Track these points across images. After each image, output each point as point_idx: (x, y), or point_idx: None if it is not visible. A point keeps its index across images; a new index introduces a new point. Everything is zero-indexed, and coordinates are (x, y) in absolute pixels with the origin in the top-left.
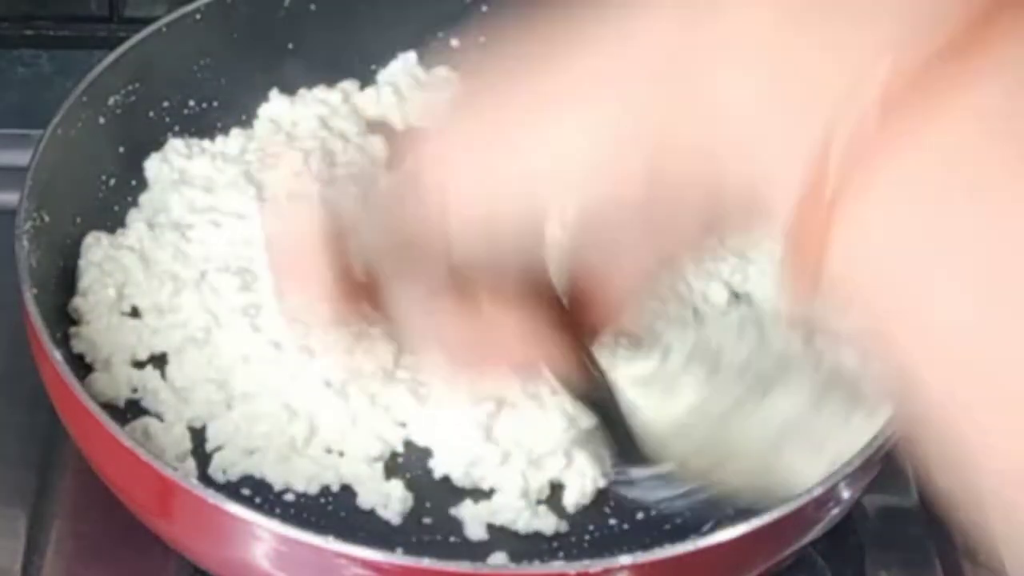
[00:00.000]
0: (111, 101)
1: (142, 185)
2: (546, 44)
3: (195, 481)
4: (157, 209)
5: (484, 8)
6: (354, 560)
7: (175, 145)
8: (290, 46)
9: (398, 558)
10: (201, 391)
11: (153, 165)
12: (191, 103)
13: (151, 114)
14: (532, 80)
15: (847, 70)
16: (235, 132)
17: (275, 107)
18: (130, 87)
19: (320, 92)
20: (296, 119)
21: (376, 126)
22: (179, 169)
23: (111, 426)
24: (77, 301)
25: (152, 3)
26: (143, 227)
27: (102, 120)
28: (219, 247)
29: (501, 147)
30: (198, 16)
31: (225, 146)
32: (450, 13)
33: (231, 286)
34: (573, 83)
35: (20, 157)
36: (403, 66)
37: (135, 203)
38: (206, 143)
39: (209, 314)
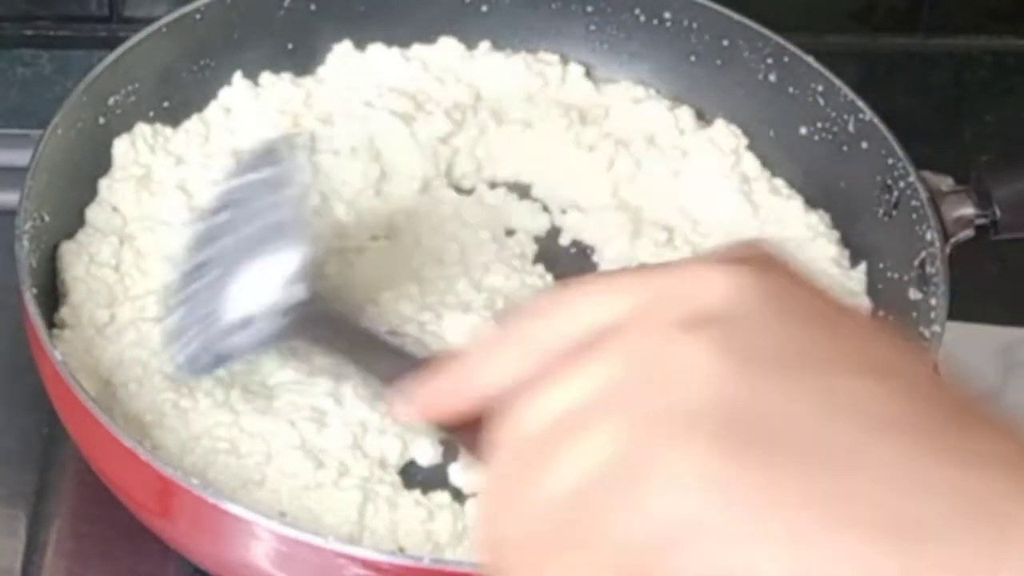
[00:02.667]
0: (111, 101)
1: None
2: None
3: (195, 481)
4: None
5: (484, 8)
6: (354, 560)
7: (143, 131)
8: (290, 46)
9: (398, 558)
10: None
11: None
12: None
13: (151, 114)
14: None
15: None
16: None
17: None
18: (130, 87)
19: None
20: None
21: None
22: (144, 164)
23: (110, 426)
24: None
25: (152, 3)
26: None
27: (102, 120)
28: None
29: None
30: (198, 16)
31: (187, 141)
32: (451, 13)
33: None
34: None
35: (20, 157)
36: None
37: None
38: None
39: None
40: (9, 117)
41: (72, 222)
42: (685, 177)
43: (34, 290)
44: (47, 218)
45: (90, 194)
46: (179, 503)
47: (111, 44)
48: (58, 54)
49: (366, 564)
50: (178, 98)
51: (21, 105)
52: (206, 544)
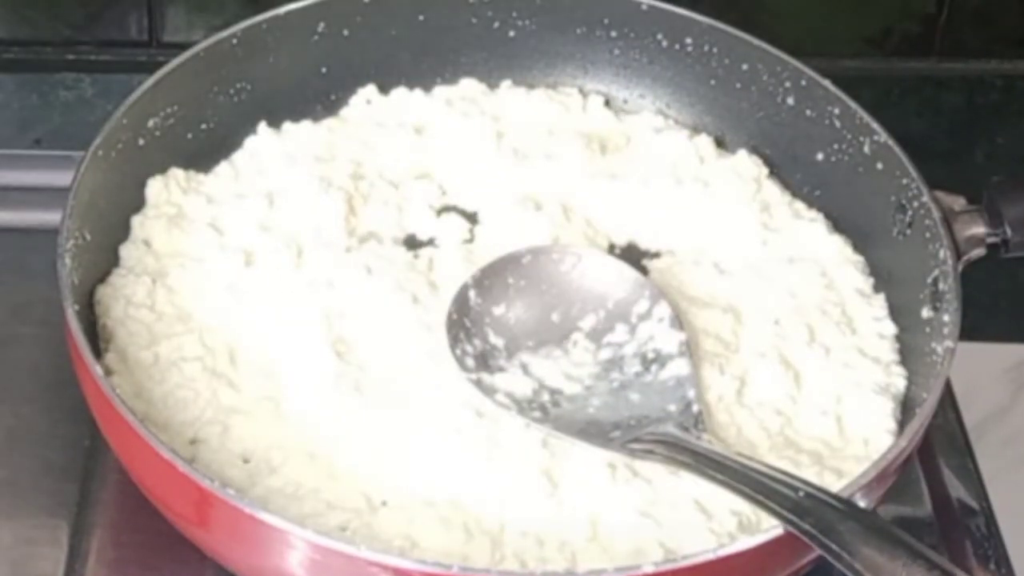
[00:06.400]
0: (150, 123)
1: None
2: None
3: (231, 491)
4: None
5: (511, 33)
6: (386, 568)
7: (176, 175)
8: (323, 70)
9: (428, 567)
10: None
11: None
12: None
13: (189, 136)
14: None
15: None
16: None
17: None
18: (169, 110)
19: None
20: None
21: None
22: (176, 203)
23: (150, 438)
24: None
25: (190, 28)
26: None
27: (141, 142)
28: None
29: None
30: (234, 41)
31: (216, 184)
32: (479, 38)
33: None
34: None
35: (62, 178)
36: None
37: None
38: (201, 177)
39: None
40: (52, 139)
41: (113, 241)
42: (706, 205)
43: (76, 307)
44: (88, 236)
45: (130, 214)
46: (216, 513)
47: (150, 68)
48: (99, 78)
49: (398, 572)
50: (216, 120)
51: (63, 127)
52: (242, 553)
